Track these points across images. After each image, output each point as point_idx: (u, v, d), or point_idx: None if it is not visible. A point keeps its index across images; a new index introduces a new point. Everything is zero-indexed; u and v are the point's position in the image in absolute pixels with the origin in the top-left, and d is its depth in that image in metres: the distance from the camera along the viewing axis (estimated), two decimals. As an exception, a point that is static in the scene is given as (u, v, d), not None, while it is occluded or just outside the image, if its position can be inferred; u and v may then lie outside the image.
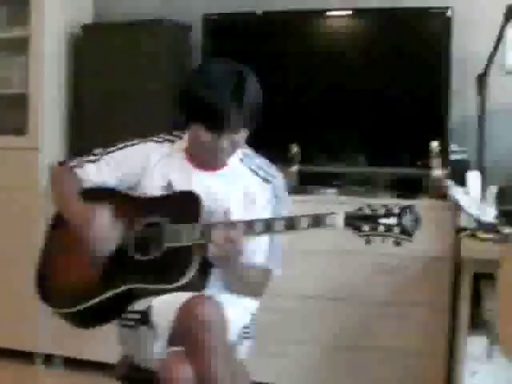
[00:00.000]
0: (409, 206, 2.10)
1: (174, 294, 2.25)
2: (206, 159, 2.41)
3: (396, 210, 2.10)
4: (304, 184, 3.67)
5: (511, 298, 2.39)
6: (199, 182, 2.41)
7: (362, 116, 3.78)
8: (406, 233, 2.08)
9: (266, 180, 2.44)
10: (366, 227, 2.11)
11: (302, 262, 3.48)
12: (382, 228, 2.09)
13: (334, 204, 3.36)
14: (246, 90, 2.28)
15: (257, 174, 2.44)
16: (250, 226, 2.22)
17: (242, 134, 2.33)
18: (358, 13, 3.87)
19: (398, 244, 2.10)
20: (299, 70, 3.88)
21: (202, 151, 2.37)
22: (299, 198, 3.32)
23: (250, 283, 2.40)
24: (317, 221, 2.18)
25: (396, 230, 2.08)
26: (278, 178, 2.48)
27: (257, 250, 2.36)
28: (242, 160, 2.47)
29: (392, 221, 2.09)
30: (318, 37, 3.91)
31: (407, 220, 2.08)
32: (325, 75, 3.84)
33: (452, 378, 3.32)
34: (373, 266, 3.43)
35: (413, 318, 3.44)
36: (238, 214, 2.35)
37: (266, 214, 2.37)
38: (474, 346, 3.28)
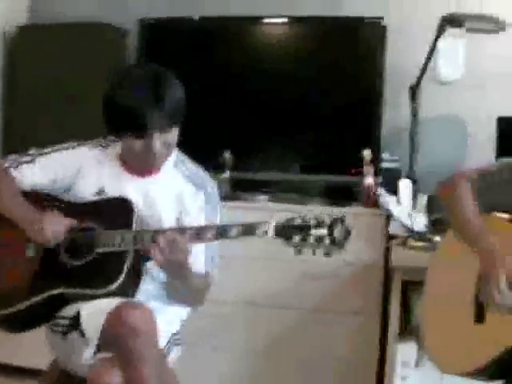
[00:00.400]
0: (340, 217, 2.11)
1: (105, 299, 2.23)
2: (140, 164, 2.40)
3: (327, 221, 2.10)
4: (236, 191, 3.67)
5: (437, 305, 2.44)
6: (133, 187, 2.40)
7: (296, 123, 3.80)
8: (337, 244, 2.08)
9: (199, 187, 2.43)
10: (296, 238, 2.11)
11: (233, 268, 3.48)
12: (312, 239, 2.09)
13: (266, 211, 3.37)
14: (165, 89, 2.27)
15: (190, 181, 2.44)
16: (181, 233, 2.22)
17: (173, 134, 2.34)
18: (294, 20, 3.89)
19: (328, 255, 2.10)
20: (234, 75, 3.89)
21: (136, 157, 2.35)
22: (231, 205, 3.32)
23: (194, 291, 2.40)
24: (247, 230, 2.18)
25: (326, 241, 2.08)
26: (212, 184, 2.48)
27: (196, 256, 2.36)
28: (175, 166, 2.46)
29: (323, 232, 2.09)
30: (254, 43, 3.93)
31: (338, 231, 2.08)
32: (259, 82, 3.85)
33: (383, 383, 3.36)
34: (304, 273, 3.44)
35: (344, 324, 3.47)
36: (170, 221, 2.36)
37: (199, 221, 2.37)
38: (405, 351, 3.33)
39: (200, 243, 2.32)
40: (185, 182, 2.43)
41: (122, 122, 2.29)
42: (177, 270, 2.24)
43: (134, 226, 2.30)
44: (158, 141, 2.28)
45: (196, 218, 2.39)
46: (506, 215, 2.39)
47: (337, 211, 3.24)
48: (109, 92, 2.34)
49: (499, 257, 2.22)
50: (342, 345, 3.48)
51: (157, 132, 2.26)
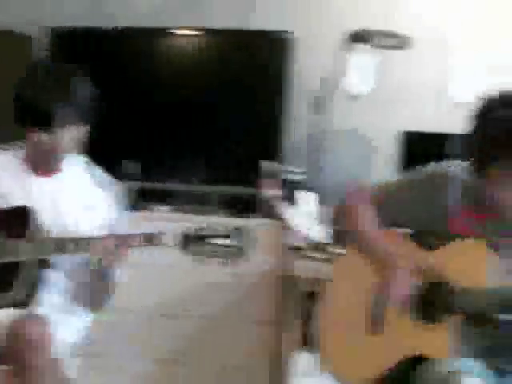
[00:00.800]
0: (241, 228, 2.13)
1: (2, 312, 2.20)
2: (46, 162, 2.38)
3: (226, 232, 2.12)
4: (139, 201, 3.64)
5: (334, 316, 2.47)
6: (38, 188, 2.38)
7: (200, 134, 3.81)
8: (238, 255, 2.10)
9: (107, 191, 2.43)
10: (195, 248, 2.12)
11: (136, 277, 3.45)
12: (211, 249, 2.10)
13: (169, 221, 3.38)
14: (73, 84, 2.28)
15: (98, 185, 2.43)
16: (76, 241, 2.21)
17: (79, 131, 2.32)
18: (202, 32, 3.89)
19: (226, 265, 2.11)
20: (141, 86, 3.87)
21: (42, 154, 2.34)
22: (134, 215, 3.30)
23: (100, 294, 2.39)
24: (149, 239, 2.18)
25: (225, 251, 2.10)
26: (119, 190, 2.48)
27: None
28: (84, 168, 2.45)
29: (222, 242, 2.11)
30: (163, 54, 3.90)
31: (240, 242, 2.10)
32: (165, 93, 3.84)
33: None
34: (204, 281, 3.45)
35: (243, 333, 3.49)
36: (76, 223, 2.34)
37: (106, 224, 2.37)
38: (303, 361, 3.37)
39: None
40: (93, 185, 2.42)
41: (28, 115, 2.27)
42: (104, 274, 2.25)
43: (33, 234, 2.26)
44: (64, 135, 2.26)
45: (103, 222, 2.37)
46: (406, 231, 2.46)
47: (239, 222, 3.29)
48: (17, 84, 2.33)
49: (400, 256, 2.29)
50: (241, 353, 3.50)
51: (63, 125, 2.25)
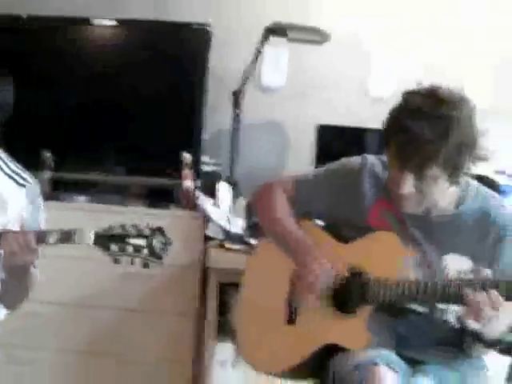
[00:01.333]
0: (159, 228, 2.11)
1: None
2: None
3: (146, 232, 2.10)
4: (56, 191, 3.58)
5: (252, 307, 2.49)
6: None
7: (118, 125, 3.77)
8: (155, 255, 2.09)
9: (20, 185, 2.37)
10: (114, 247, 2.09)
11: (52, 268, 3.41)
12: (130, 249, 2.09)
13: (86, 212, 3.37)
14: None
15: (11, 178, 2.37)
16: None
17: None
18: (121, 23, 3.84)
19: (146, 266, 2.10)
20: (57, 75, 3.79)
21: None
22: (51, 205, 3.26)
23: (26, 289, 2.35)
24: (66, 237, 2.16)
25: (145, 251, 2.09)
26: (34, 183, 2.42)
27: None
28: None
29: (141, 242, 2.09)
30: (80, 44, 3.83)
31: (157, 242, 2.09)
32: (82, 82, 3.77)
33: (201, 382, 3.40)
34: (122, 272, 3.36)
35: (162, 325, 3.47)
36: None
37: (20, 221, 2.32)
38: (221, 352, 3.40)
39: None
40: (5, 179, 2.37)
41: None
42: (20, 271, 2.21)
43: None
44: None
45: (16, 217, 2.33)
46: (320, 222, 2.49)
47: (156, 220, 3.28)
48: None
49: (313, 248, 2.32)
50: (160, 345, 3.48)
51: None
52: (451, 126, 2.07)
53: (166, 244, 2.11)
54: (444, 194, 2.21)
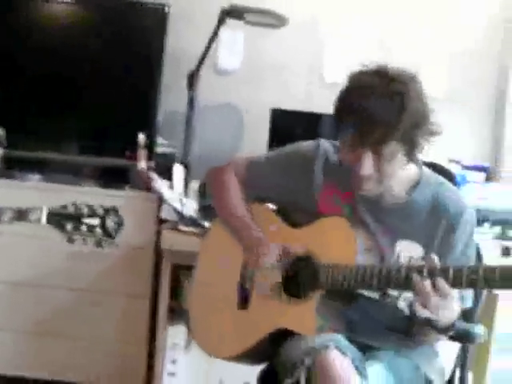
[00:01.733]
0: (112, 208, 2.11)
1: None
2: None
3: (100, 211, 2.10)
4: (9, 169, 3.55)
5: (204, 290, 2.50)
6: None
7: (73, 104, 3.74)
8: (108, 234, 2.08)
9: None
10: (68, 226, 2.09)
11: (5, 246, 3.40)
12: (84, 228, 2.08)
13: (40, 191, 3.34)
14: None
15: None
16: None
17: None
18: (78, 1, 3.80)
19: (99, 245, 2.09)
20: (11, 51, 3.73)
21: None
22: (4, 183, 3.25)
23: None
24: (20, 215, 2.14)
25: (98, 231, 2.08)
26: None
27: None
28: None
29: (95, 221, 2.08)
30: (34, 21, 3.77)
31: (110, 222, 2.08)
32: (37, 60, 3.73)
33: (153, 366, 3.40)
34: (74, 253, 3.39)
35: (115, 306, 3.48)
36: None
37: None
38: (174, 334, 3.40)
39: None
40: None
41: None
42: None
43: None
44: None
45: None
46: (272, 206, 2.50)
47: (113, 195, 3.28)
48: None
49: (262, 237, 2.33)
50: (113, 327, 3.49)
51: None
52: (405, 101, 2.10)
53: (120, 224, 2.10)
54: (400, 178, 2.24)
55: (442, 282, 2.00)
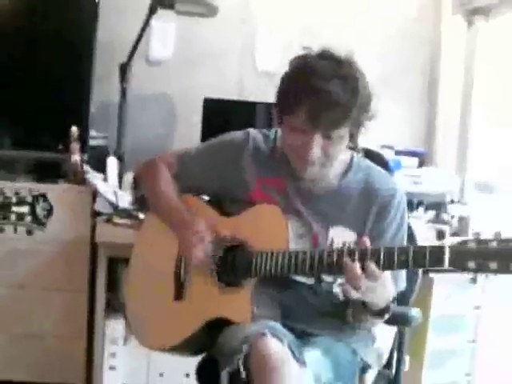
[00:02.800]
0: (41, 194, 2.08)
1: None
2: None
3: (29, 199, 2.07)
4: None
5: (140, 282, 2.48)
6: None
7: (4, 97, 3.66)
8: (39, 222, 2.06)
9: None
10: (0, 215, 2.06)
11: None
12: (13, 216, 2.05)
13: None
14: None
15: None
16: None
17: None
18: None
19: (30, 233, 2.06)
20: None
21: None
22: None
23: None
24: None
25: (28, 218, 2.06)
26: None
27: None
28: None
29: (24, 209, 2.06)
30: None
31: (40, 209, 2.06)
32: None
33: (92, 360, 3.38)
34: (9, 248, 3.35)
35: (53, 302, 3.43)
36: None
37: None
38: (112, 328, 3.38)
39: None
40: None
41: None
42: None
43: None
44: None
45: None
46: (205, 197, 2.50)
47: (40, 187, 3.22)
48: None
49: (195, 220, 2.31)
50: (50, 322, 3.44)
51: None
52: (358, 85, 2.12)
53: (50, 210, 2.08)
54: (335, 163, 2.24)
55: (371, 265, 2.01)
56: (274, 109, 2.26)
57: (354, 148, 2.30)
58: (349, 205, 2.28)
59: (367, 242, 2.05)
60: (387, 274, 2.08)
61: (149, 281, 2.45)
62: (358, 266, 2.01)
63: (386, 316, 2.19)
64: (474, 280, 3.60)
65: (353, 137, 2.20)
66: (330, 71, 2.11)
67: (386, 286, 2.09)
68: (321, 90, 2.08)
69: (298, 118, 2.14)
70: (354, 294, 2.04)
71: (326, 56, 2.16)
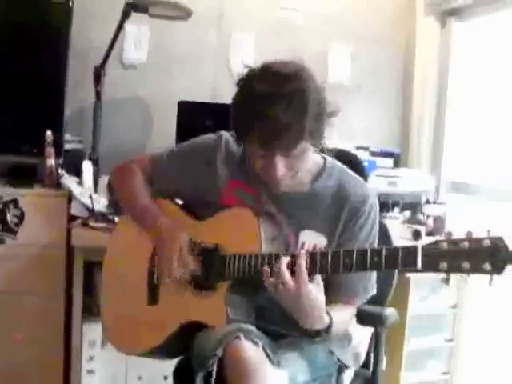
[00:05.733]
0: (13, 200, 2.06)
1: None
2: None
3: (5, 203, 2.05)
4: None
5: (114, 286, 2.48)
6: None
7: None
8: (9, 230, 2.04)
9: None
10: None
11: None
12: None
13: None
14: None
15: None
16: None
17: None
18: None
19: (1, 241, 2.05)
20: None
21: None
22: None
23: None
24: None
25: (5, 226, 2.04)
26: None
27: None
28: None
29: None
30: None
31: (10, 216, 2.04)
32: None
33: (70, 364, 3.37)
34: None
35: (30, 306, 3.41)
36: None
37: None
38: (90, 332, 3.37)
39: None
40: None
41: None
42: None
43: None
44: None
45: None
46: (179, 201, 2.50)
47: (14, 192, 3.22)
48: None
49: (171, 234, 2.30)
50: (27, 327, 3.42)
51: None
52: (305, 98, 2.06)
53: (21, 217, 2.05)
54: (306, 167, 2.24)
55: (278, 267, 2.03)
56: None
57: (322, 150, 2.29)
58: (320, 209, 2.27)
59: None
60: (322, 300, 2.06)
61: (123, 285, 2.44)
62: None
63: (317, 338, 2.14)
64: (447, 280, 3.61)
65: (316, 143, 2.17)
66: (274, 93, 2.04)
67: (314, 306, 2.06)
68: (267, 115, 2.03)
69: (254, 144, 2.12)
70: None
71: (269, 74, 2.09)
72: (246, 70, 2.17)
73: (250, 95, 2.09)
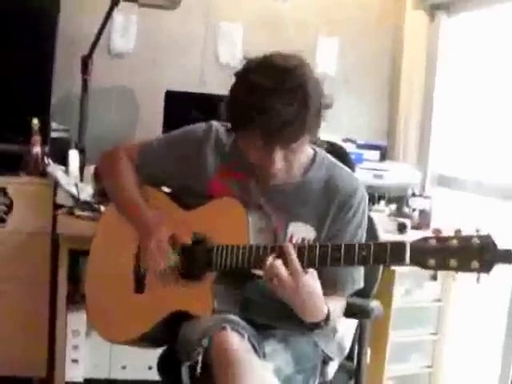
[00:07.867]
0: (2, 189, 2.06)
1: None
2: None
3: None
4: None
5: (100, 275, 2.46)
6: None
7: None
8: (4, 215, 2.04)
9: None
10: None
11: None
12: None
13: None
14: None
15: None
16: None
17: None
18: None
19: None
20: None
21: None
22: None
23: None
24: None
25: None
26: None
27: None
28: None
29: None
30: None
31: (5, 202, 2.03)
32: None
33: (55, 352, 3.36)
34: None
35: (14, 295, 3.41)
36: None
37: None
38: (74, 321, 3.37)
39: None
40: None
41: None
42: None
43: None
44: None
45: None
46: (166, 189, 2.49)
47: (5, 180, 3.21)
48: None
49: (156, 226, 2.29)
50: (12, 315, 3.42)
51: None
52: (307, 93, 2.05)
53: (9, 206, 2.06)
54: (299, 159, 2.23)
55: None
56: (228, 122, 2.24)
57: (315, 142, 2.29)
58: (310, 201, 2.27)
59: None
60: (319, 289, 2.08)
61: (109, 273, 2.43)
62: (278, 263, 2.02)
63: (316, 330, 2.16)
64: (434, 277, 3.64)
65: (313, 138, 2.19)
66: (277, 88, 2.03)
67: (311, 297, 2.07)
68: (270, 111, 2.02)
69: (254, 136, 2.10)
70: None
71: (270, 68, 2.08)
72: (244, 62, 2.15)
73: (251, 89, 2.07)
